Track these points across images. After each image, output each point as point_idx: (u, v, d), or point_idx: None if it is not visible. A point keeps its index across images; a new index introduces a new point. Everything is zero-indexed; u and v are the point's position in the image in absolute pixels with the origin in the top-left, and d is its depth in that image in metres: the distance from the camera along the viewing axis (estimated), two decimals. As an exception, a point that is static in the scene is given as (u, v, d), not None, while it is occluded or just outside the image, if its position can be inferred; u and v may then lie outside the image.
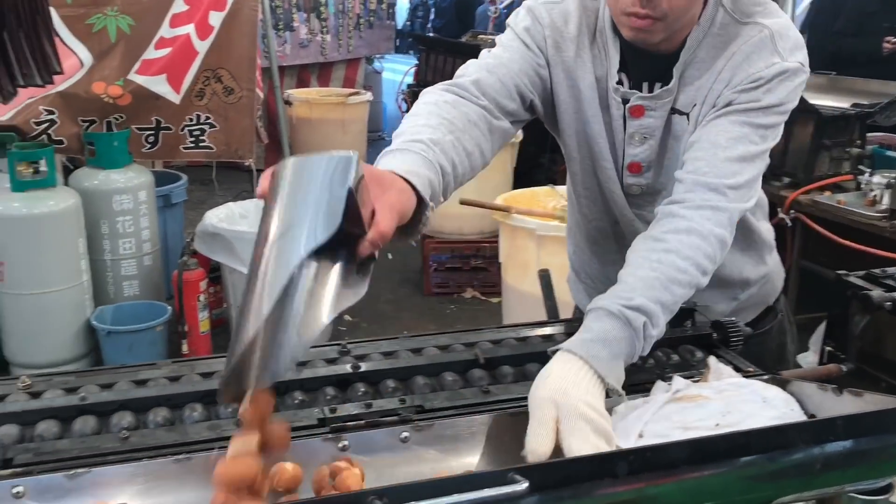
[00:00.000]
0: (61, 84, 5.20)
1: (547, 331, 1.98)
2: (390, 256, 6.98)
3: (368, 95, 8.59)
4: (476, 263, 6.13)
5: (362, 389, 1.68)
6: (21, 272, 4.67)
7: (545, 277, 2.15)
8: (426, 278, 6.29)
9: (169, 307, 5.09)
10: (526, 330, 1.99)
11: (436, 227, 6.13)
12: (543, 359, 1.80)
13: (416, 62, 11.24)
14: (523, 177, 6.05)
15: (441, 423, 1.57)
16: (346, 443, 1.52)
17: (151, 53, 5.39)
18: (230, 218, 5.36)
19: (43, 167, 4.73)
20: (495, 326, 2.00)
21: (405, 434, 1.55)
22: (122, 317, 4.98)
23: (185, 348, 5.04)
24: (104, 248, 5.22)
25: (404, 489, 1.17)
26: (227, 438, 1.48)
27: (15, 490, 1.36)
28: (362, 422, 1.55)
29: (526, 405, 1.60)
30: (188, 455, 1.45)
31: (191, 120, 5.63)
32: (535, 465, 1.27)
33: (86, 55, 5.30)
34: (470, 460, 1.57)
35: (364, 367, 1.73)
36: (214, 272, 5.47)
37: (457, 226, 6.02)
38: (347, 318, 5.96)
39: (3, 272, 4.70)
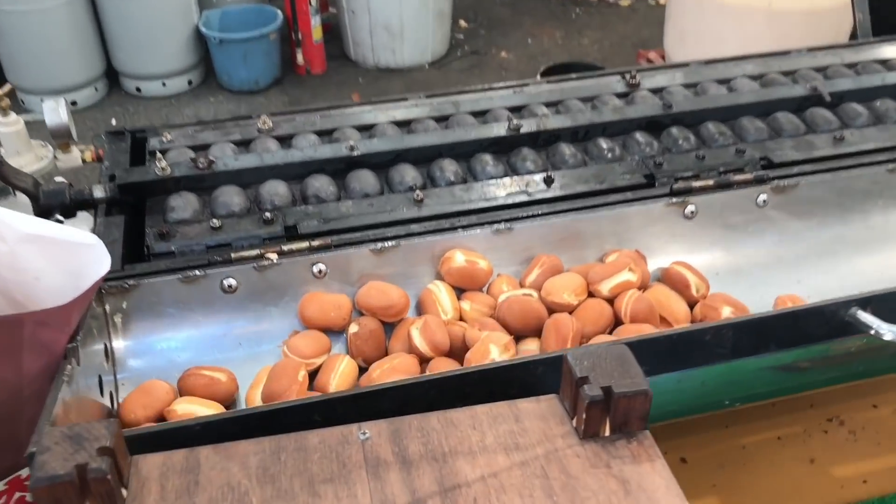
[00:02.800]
0: None
1: (875, 53, 1.55)
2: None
3: None
4: (606, -40, 5.40)
5: (682, 137, 1.33)
6: (121, -27, 4.21)
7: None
8: (547, -23, 5.62)
9: (279, 12, 4.63)
10: (849, 53, 1.56)
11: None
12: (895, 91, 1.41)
13: None
14: None
15: (806, 183, 1.23)
16: (692, 208, 1.20)
17: None
18: None
19: None
20: (810, 48, 1.57)
21: (763, 197, 1.22)
22: (230, 23, 4.54)
23: (300, 59, 4.65)
24: (202, -57, 4.64)
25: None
26: (539, 202, 1.19)
27: (316, 268, 1.09)
28: (709, 181, 1.22)
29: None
30: (507, 224, 1.15)
31: None
32: None
33: None
34: (839, 231, 1.25)
35: (675, 107, 1.36)
36: (320, -29, 4.90)
37: (587, -86, 5.21)
38: (462, 23, 5.44)
39: (101, -27, 4.24)
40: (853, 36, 3.07)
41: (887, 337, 0.80)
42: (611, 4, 5.71)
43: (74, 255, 0.96)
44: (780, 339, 0.83)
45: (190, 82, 4.45)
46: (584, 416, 0.61)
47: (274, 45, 4.64)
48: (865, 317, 0.82)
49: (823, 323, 0.83)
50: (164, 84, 4.35)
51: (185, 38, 4.59)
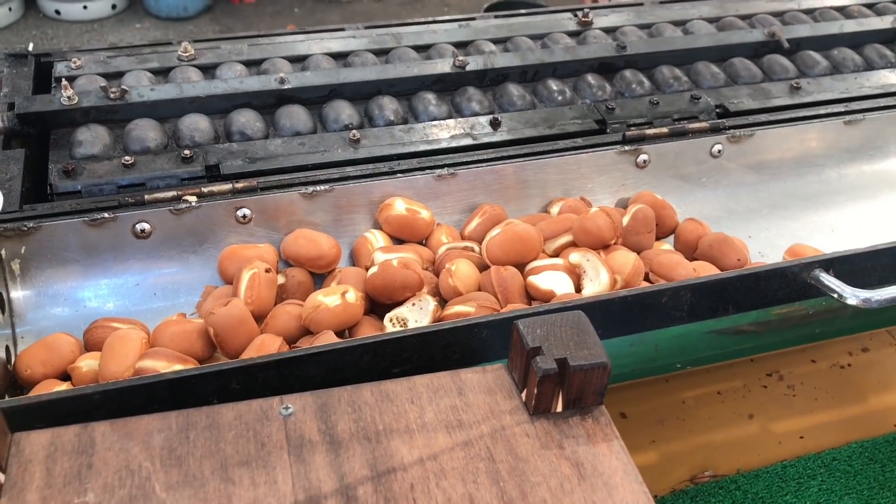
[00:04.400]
0: None
1: None
2: None
3: None
4: None
5: (635, 81, 1.26)
6: None
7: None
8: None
9: (210, -67, 4.36)
10: None
11: None
12: (852, 40, 1.37)
13: None
14: None
15: (762, 135, 1.18)
16: (645, 157, 1.14)
17: None
18: None
19: None
20: (769, -7, 1.51)
21: (718, 147, 1.16)
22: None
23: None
24: None
25: (858, 258, 0.81)
26: (484, 146, 1.11)
27: (240, 212, 0.99)
28: (664, 129, 1.15)
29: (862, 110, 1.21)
30: (450, 169, 1.07)
31: None
32: None
33: None
34: (792, 184, 1.21)
35: (629, 48, 1.29)
36: None
37: None
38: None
39: None
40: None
41: (850, 301, 0.76)
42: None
43: (-40, 193, 0.85)
44: (739, 301, 0.78)
45: (114, 6, 4.18)
46: (535, 390, 0.55)
47: (205, -32, 4.40)
48: (828, 279, 0.77)
49: (785, 285, 0.78)
50: (85, 7, 4.07)
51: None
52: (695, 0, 1.47)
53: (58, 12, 4.08)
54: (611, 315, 0.74)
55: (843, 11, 1.47)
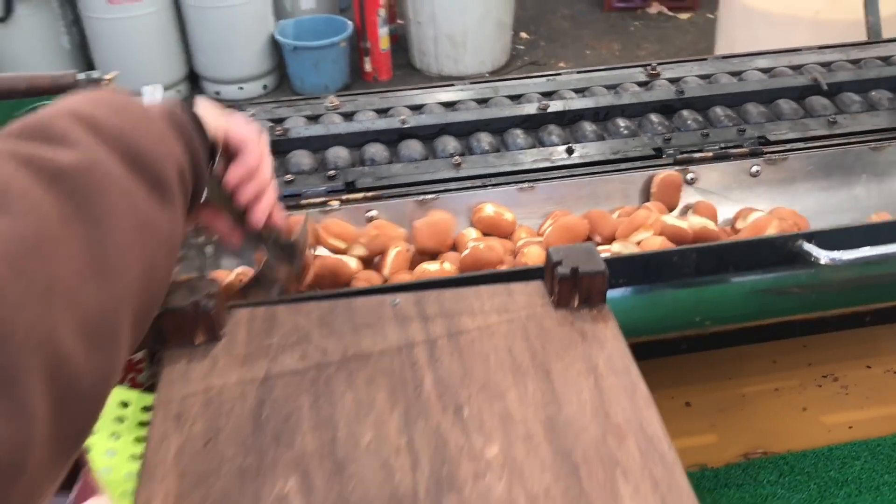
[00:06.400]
0: None
1: (880, 51, 1.72)
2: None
3: None
4: (665, -25, 5.57)
5: (691, 118, 1.53)
6: (205, -16, 4.56)
7: (871, -11, 1.84)
8: (606, -8, 5.82)
9: (349, 22, 4.93)
10: (855, 51, 1.73)
11: (623, -68, 5.53)
12: (890, 83, 1.58)
13: None
14: None
15: (796, 157, 1.42)
16: (692, 175, 1.40)
17: None
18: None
19: None
20: (820, 46, 1.75)
21: (756, 168, 1.41)
22: (303, 32, 4.87)
23: (367, 66, 4.95)
24: (279, -42, 4.98)
25: (836, 233, 1.05)
26: (560, 167, 1.40)
27: (369, 214, 1.32)
28: (709, 153, 1.41)
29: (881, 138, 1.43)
30: (530, 183, 1.36)
31: None
32: None
33: None
34: (826, 198, 1.43)
35: (686, 92, 1.56)
36: (390, -16, 5.19)
37: (647, -69, 5.39)
38: (524, 35, 5.67)
39: (187, -16, 4.60)
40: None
41: (823, 261, 0.98)
42: (669, 17, 5.87)
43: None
44: (737, 263, 1.03)
45: (265, 87, 4.77)
46: (556, 289, 0.83)
47: (344, 53, 4.94)
48: (808, 246, 1.01)
49: (773, 252, 1.02)
50: (241, 88, 4.68)
51: (262, 46, 4.93)
52: (753, 55, 1.73)
53: (217, 93, 4.70)
54: (633, 269, 1.00)
55: (886, 60, 1.69)
